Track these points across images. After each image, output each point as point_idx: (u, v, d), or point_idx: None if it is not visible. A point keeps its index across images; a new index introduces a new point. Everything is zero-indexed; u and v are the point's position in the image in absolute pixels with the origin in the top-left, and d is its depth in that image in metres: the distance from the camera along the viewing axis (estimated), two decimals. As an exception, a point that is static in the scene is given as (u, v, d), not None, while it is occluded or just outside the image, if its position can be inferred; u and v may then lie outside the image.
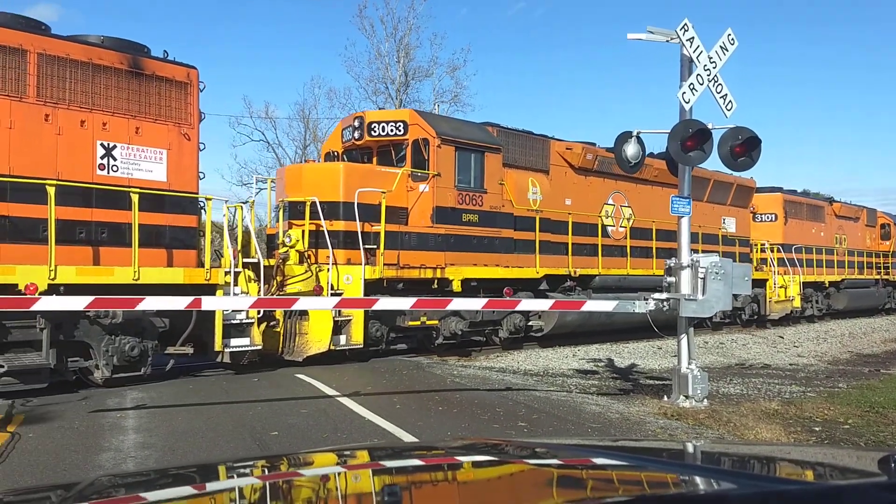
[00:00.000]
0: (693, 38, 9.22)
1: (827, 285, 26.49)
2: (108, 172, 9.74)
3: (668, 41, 9.37)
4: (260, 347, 10.86)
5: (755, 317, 22.41)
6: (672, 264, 9.14)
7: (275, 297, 11.16)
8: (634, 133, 9.87)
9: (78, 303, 7.61)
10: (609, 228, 17.52)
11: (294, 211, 12.77)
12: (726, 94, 9.34)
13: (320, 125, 34.24)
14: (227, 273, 10.48)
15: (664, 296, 9.00)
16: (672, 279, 9.06)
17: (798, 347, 19.18)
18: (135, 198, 9.49)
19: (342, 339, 12.00)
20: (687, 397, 8.92)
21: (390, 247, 12.67)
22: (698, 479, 1.72)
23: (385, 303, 9.84)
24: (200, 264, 10.54)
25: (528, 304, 12.14)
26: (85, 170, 9.56)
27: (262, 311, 10.72)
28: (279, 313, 11.33)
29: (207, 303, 9.27)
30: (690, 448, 2.81)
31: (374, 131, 13.91)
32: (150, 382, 9.95)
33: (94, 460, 6.23)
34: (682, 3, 69.22)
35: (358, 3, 48.78)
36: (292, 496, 1.79)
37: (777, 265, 23.15)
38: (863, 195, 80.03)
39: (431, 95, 33.47)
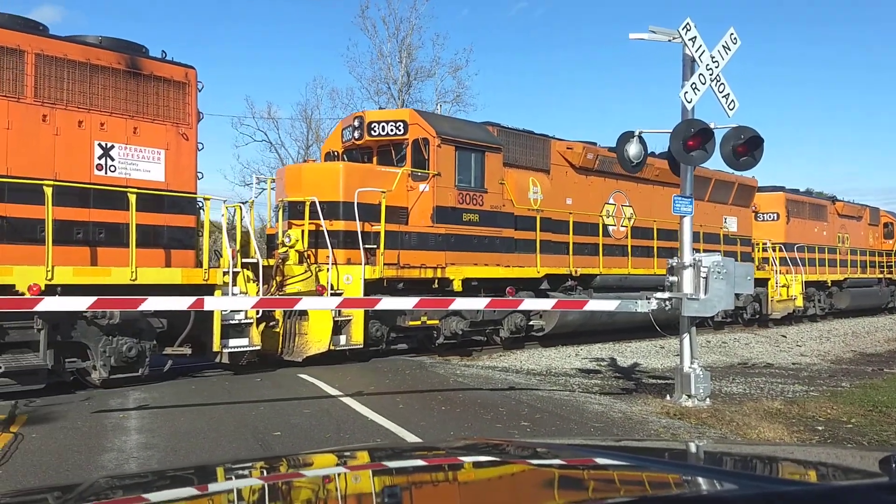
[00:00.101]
0: (695, 37, 9.21)
1: (829, 284, 26.44)
2: (106, 173, 9.74)
3: (670, 41, 9.36)
4: (259, 348, 10.83)
5: (757, 316, 22.38)
6: (674, 264, 9.13)
7: (277, 297, 11.16)
8: (636, 133, 9.87)
9: (81, 303, 7.61)
10: (610, 228, 17.51)
11: (294, 211, 12.76)
12: (728, 94, 9.33)
13: (323, 125, 34.25)
14: (225, 273, 10.46)
15: (666, 295, 8.99)
16: (674, 278, 9.05)
17: (801, 346, 19.16)
18: (132, 198, 9.48)
19: (342, 339, 11.99)
20: (689, 396, 8.92)
21: (390, 246, 12.66)
22: (700, 480, 1.71)
23: (388, 303, 9.83)
24: (199, 264, 10.53)
25: (530, 303, 12.14)
26: (82, 170, 9.56)
27: (260, 311, 10.70)
28: (279, 313, 11.31)
29: (210, 303, 9.29)
30: (692, 448, 2.81)
31: (374, 131, 13.90)
32: (150, 383, 9.94)
33: (97, 461, 6.23)
34: (682, 3, 69.30)
35: (360, 4, 48.77)
36: (293, 497, 1.78)
37: (779, 264, 23.11)
38: (866, 194, 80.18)
39: (434, 95, 33.49)
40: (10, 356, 8.68)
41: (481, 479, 1.93)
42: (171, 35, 56.01)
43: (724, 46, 9.30)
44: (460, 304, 10.59)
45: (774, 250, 23.20)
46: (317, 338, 11.64)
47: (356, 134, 14.14)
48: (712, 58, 9.22)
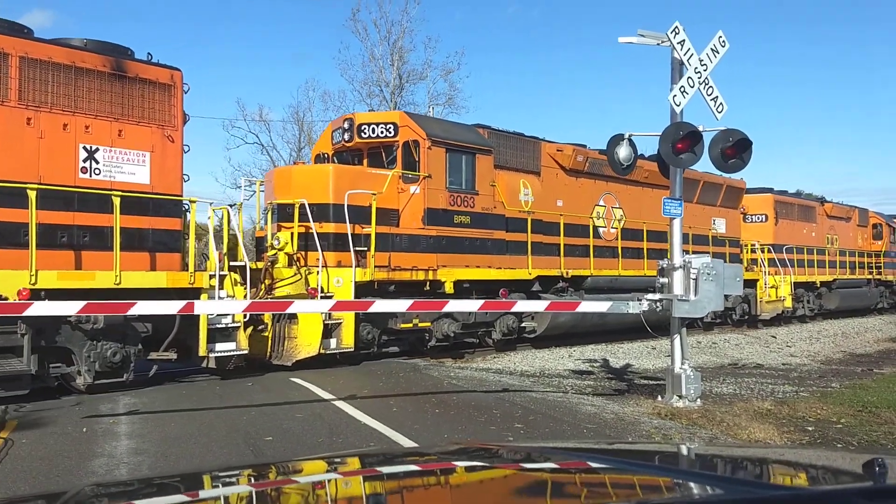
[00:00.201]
0: (684, 40, 9.25)
1: (818, 285, 26.59)
2: (91, 176, 9.68)
3: (658, 44, 9.40)
4: (246, 352, 10.74)
5: (746, 317, 22.49)
6: (665, 265, 9.17)
7: (268, 300, 11.12)
8: (626, 135, 9.91)
9: (70, 308, 7.58)
10: (600, 229, 17.56)
11: (283, 213, 12.69)
12: (717, 97, 9.38)
13: (315, 128, 34.19)
14: (211, 276, 10.40)
15: (657, 296, 9.02)
16: (665, 280, 9.09)
17: (790, 347, 19.25)
18: (116, 201, 9.42)
19: (332, 342, 11.92)
20: (680, 397, 8.95)
21: (381, 249, 12.61)
22: (687, 485, 1.73)
23: (381, 305, 9.82)
24: (185, 268, 10.46)
25: (523, 305, 12.12)
26: (67, 173, 9.50)
27: (248, 314, 10.64)
28: (267, 317, 11.23)
29: (200, 307, 9.27)
30: (682, 451, 2.83)
31: (365, 133, 13.88)
32: (137, 388, 9.88)
33: (87, 466, 6.19)
34: (679, 4, 69.60)
35: (351, 7, 48.71)
36: None
37: (767, 265, 23.24)
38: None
39: (426, 98, 33.51)
40: (-6, 361, 8.61)
41: (474, 484, 1.93)
42: (162, 38, 55.82)
43: (712, 50, 9.35)
44: (454, 306, 10.58)
45: (763, 251, 23.32)
46: (307, 341, 11.58)
47: (346, 136, 14.11)
48: (700, 61, 9.27)
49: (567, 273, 16.03)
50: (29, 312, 7.45)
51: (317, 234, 11.99)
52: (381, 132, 13.77)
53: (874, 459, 1.53)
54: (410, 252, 13.21)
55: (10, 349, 8.76)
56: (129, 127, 10.05)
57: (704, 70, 9.28)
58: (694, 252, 14.58)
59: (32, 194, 8.77)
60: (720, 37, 9.42)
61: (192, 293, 10.03)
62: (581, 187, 17.11)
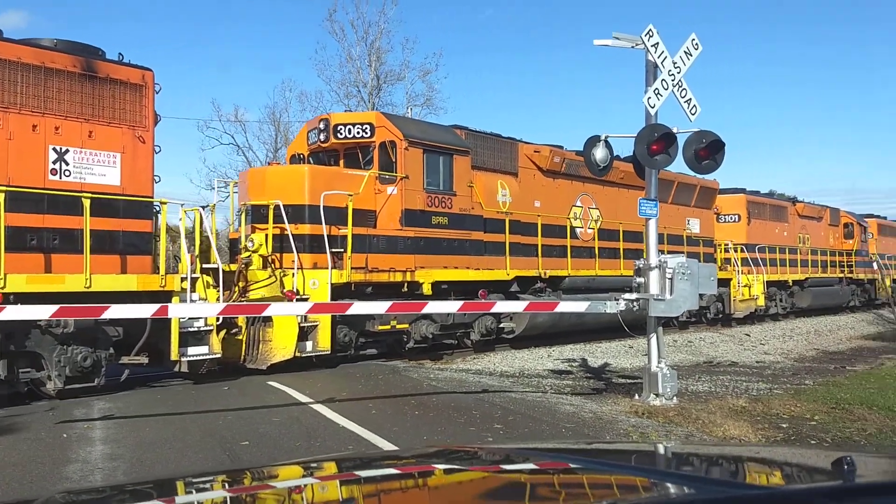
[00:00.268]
0: (657, 43, 9.33)
1: (791, 284, 26.95)
2: (61, 177, 9.53)
3: (633, 47, 9.47)
4: (219, 356, 10.59)
5: (720, 315, 22.75)
6: (641, 265, 9.25)
7: (244, 303, 11.03)
8: (603, 137, 9.99)
9: (43, 312, 7.47)
10: (577, 230, 17.65)
11: (257, 214, 12.55)
12: (690, 99, 9.47)
13: (291, 128, 33.99)
14: (183, 279, 10.27)
15: (634, 296, 9.10)
16: (641, 279, 9.16)
17: (764, 345, 19.50)
18: (86, 203, 9.28)
19: (308, 345, 11.79)
20: (657, 395, 9.03)
21: (358, 250, 12.52)
22: (660, 485, 1.75)
23: (359, 307, 9.78)
24: (156, 270, 10.33)
25: (503, 306, 12.13)
26: (36, 175, 9.34)
27: (221, 318, 10.51)
28: (241, 320, 11.08)
29: (174, 310, 9.17)
30: (659, 450, 2.86)
31: (341, 133, 13.79)
32: (114, 393, 9.75)
33: (61, 472, 6.10)
34: (669, 4, 70.00)
35: (328, 7, 48.50)
36: None
37: (741, 265, 23.52)
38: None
39: (404, 99, 33.46)
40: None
41: (453, 486, 1.93)
42: (137, 39, 55.21)
43: (685, 52, 9.44)
44: (433, 307, 10.56)
45: (736, 251, 23.61)
46: (282, 344, 11.44)
47: (322, 136, 14.02)
48: (674, 64, 9.36)
49: (545, 273, 16.09)
50: (2, 317, 7.32)
51: (292, 235, 11.89)
52: (358, 133, 13.70)
53: (843, 458, 1.55)
54: (388, 253, 13.15)
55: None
56: (100, 128, 9.92)
57: (678, 72, 9.37)
58: (669, 252, 14.73)
59: (1, 196, 8.62)
60: (693, 39, 9.51)
61: (164, 296, 9.90)
62: (558, 188, 17.18)
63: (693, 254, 18.61)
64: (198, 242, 10.93)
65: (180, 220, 10.85)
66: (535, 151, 16.67)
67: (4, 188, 8.74)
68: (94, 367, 9.48)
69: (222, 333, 10.81)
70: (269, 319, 11.28)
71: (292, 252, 11.86)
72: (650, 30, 9.32)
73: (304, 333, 11.72)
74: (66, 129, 9.62)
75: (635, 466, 2.09)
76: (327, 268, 11.95)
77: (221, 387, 10.42)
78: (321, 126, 14.09)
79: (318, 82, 76.20)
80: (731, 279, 22.73)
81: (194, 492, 2.00)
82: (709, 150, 9.30)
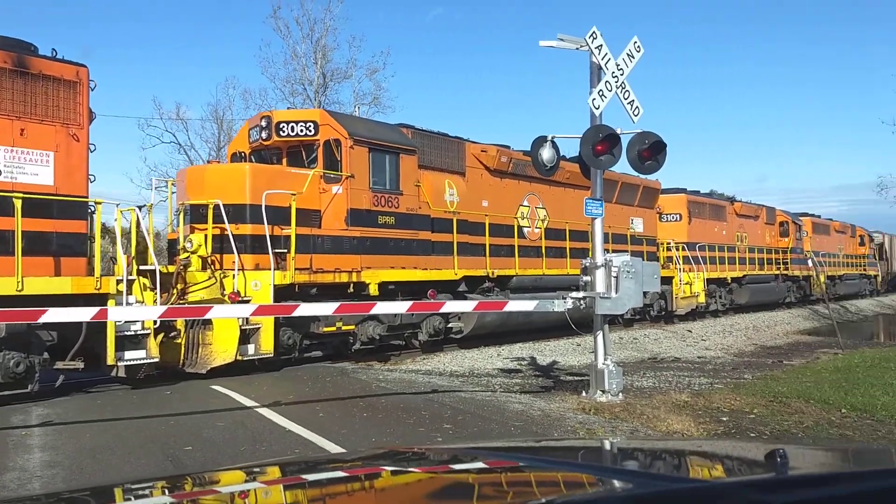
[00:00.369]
0: (601, 45, 9.46)
1: (729, 281, 27.70)
2: (-10, 177, 9.19)
3: (577, 49, 9.59)
4: (157, 360, 10.30)
5: (663, 312, 23.24)
6: (587, 264, 9.37)
7: (187, 305, 10.77)
8: (549, 137, 10.08)
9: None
10: (525, 229, 17.79)
11: (196, 214, 12.24)
12: (633, 101, 9.63)
13: (235, 126, 33.43)
14: (119, 281, 9.99)
15: (581, 294, 9.22)
16: (588, 278, 9.28)
17: (706, 341, 20.00)
18: (17, 203, 8.95)
19: (250, 348, 11.52)
20: (603, 392, 9.16)
21: (302, 251, 12.32)
22: (602, 481, 1.77)
23: (306, 308, 9.65)
24: (91, 272, 10.03)
25: (452, 305, 12.11)
26: (-35, 176, 9.00)
27: (159, 321, 10.24)
28: (180, 323, 10.78)
29: (114, 313, 8.90)
30: (606, 445, 2.90)
31: (283, 131, 13.54)
32: (51, 398, 9.44)
33: (-5, 483, 5.88)
34: (592, 7, 71.01)
35: (272, 4, 47.80)
36: None
37: (682, 263, 24.08)
38: (770, 194, 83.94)
39: (351, 97, 33.24)
40: None
41: (400, 488, 1.92)
42: (75, 36, 53.55)
43: (628, 55, 9.60)
44: (382, 307, 10.49)
45: (678, 249, 24.16)
46: (222, 348, 11.15)
47: (264, 134, 13.74)
48: (618, 66, 9.50)
49: (493, 273, 16.17)
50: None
51: (232, 235, 11.62)
52: (301, 130, 13.49)
53: (776, 451, 1.60)
54: (333, 254, 12.99)
55: None
56: (32, 126, 9.58)
57: (621, 74, 9.52)
58: (613, 251, 14.96)
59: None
60: (635, 42, 9.68)
61: (99, 299, 9.59)
62: (505, 188, 17.29)
63: (637, 252, 18.96)
64: (134, 243, 10.59)
65: (116, 220, 10.51)
66: (482, 151, 16.74)
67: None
68: (28, 372, 9.16)
69: (160, 337, 10.51)
70: (209, 322, 10.96)
71: (233, 253, 11.61)
72: (594, 32, 9.45)
73: (246, 336, 11.45)
74: (-4, 127, 9.26)
75: (581, 463, 2.12)
76: (270, 269, 11.72)
77: (164, 391, 10.18)
78: (263, 124, 13.82)
79: (263, 80, 75.21)
80: (673, 277, 23.24)
81: (133, 499, 1.94)
82: (651, 151, 9.48)
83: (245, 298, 11.52)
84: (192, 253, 11.44)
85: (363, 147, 13.54)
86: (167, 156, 55.12)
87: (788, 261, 32.46)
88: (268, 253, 11.74)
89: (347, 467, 2.23)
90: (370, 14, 58.94)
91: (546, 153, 10.03)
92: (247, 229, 12.08)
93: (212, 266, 11.70)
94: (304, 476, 2.10)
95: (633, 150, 9.48)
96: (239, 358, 11.24)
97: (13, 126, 9.41)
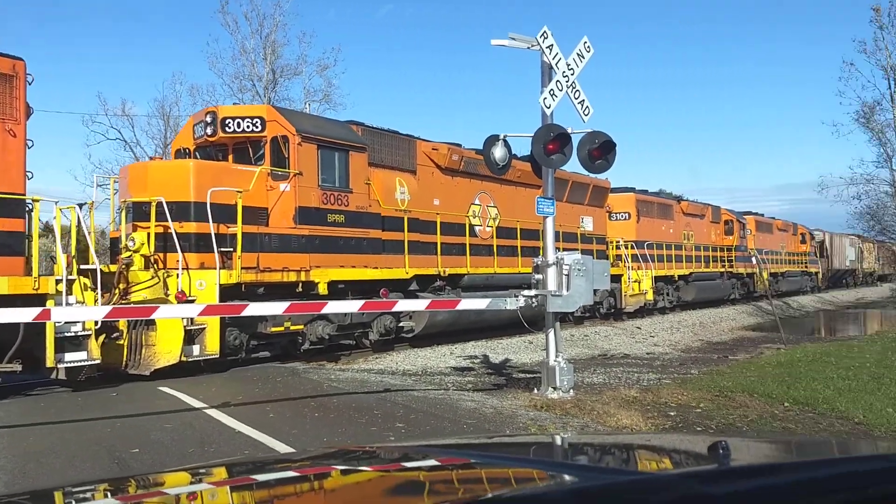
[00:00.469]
0: (552, 45, 9.55)
1: (676, 278, 28.27)
2: (-78, 175, 8.84)
3: (528, 48, 9.65)
4: (99, 362, 10.02)
5: (612, 310, 23.59)
6: (539, 262, 9.45)
7: (132, 305, 10.51)
8: (501, 136, 10.13)
9: None
10: (476, 228, 17.84)
11: (139, 212, 11.94)
12: (584, 100, 9.75)
13: (182, 123, 32.74)
14: (58, 281, 9.70)
15: (533, 292, 9.30)
16: (539, 276, 9.36)
17: (654, 337, 20.38)
18: (-50, 202, 8.65)
19: (195, 349, 11.26)
20: (555, 389, 9.25)
21: (249, 249, 12.09)
22: (550, 475, 1.79)
23: (255, 308, 9.49)
24: (29, 272, 9.71)
25: (404, 304, 12.05)
26: None
27: (100, 322, 9.95)
28: (122, 324, 10.50)
29: (57, 314, 8.63)
30: (557, 441, 2.93)
31: (229, 127, 13.27)
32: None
33: (-72, 492, 5.65)
34: (544, 9, 71.55)
35: (220, -2, 46.88)
36: None
37: (631, 261, 24.48)
38: (713, 194, 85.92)
39: (302, 94, 32.85)
40: None
41: (350, 487, 1.90)
42: (13, 29, 51.77)
43: (578, 55, 9.71)
44: (333, 307, 10.37)
45: (627, 248, 24.56)
46: (166, 349, 10.87)
47: (209, 130, 13.44)
48: (568, 65, 9.61)
49: (444, 272, 16.18)
50: None
51: (176, 234, 11.38)
52: (248, 126, 13.23)
53: (718, 443, 1.64)
54: (281, 252, 12.79)
55: None
56: (-35, 121, 9.24)
57: (572, 74, 9.62)
58: (564, 249, 15.14)
59: None
60: (585, 42, 9.80)
61: (37, 300, 9.27)
62: (457, 186, 17.31)
63: (587, 251, 19.23)
64: (74, 242, 10.29)
65: (55, 218, 10.20)
66: (433, 149, 16.73)
67: None
68: (-38, 376, 8.83)
69: (102, 338, 10.21)
70: (152, 322, 10.68)
71: (177, 252, 11.35)
72: (545, 31, 9.53)
73: (191, 337, 11.20)
74: (-72, 122, 8.91)
75: (532, 459, 2.13)
76: (215, 268, 11.49)
77: (109, 393, 9.93)
78: (208, 119, 13.52)
79: (211, 75, 73.96)
80: (622, 275, 23.60)
81: (74, 502, 1.88)
82: (601, 150, 9.60)
83: (190, 298, 11.27)
84: (135, 252, 11.16)
85: (311, 144, 13.38)
86: (113, 153, 53.81)
87: (733, 258, 33.26)
88: (213, 252, 11.50)
89: (296, 467, 2.20)
90: (321, 10, 58.54)
91: (498, 152, 10.08)
92: (191, 227, 11.84)
93: (155, 265, 11.42)
94: (251, 476, 2.07)
95: (584, 149, 9.59)
96: (184, 359, 10.98)
97: (-55, 121, 9.06)
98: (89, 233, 10.75)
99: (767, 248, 38.00)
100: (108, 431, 7.60)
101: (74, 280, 9.93)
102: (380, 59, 66.16)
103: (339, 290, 13.49)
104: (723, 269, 32.65)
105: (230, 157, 13.55)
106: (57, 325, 9.45)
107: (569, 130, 9.53)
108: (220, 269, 11.53)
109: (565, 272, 9.14)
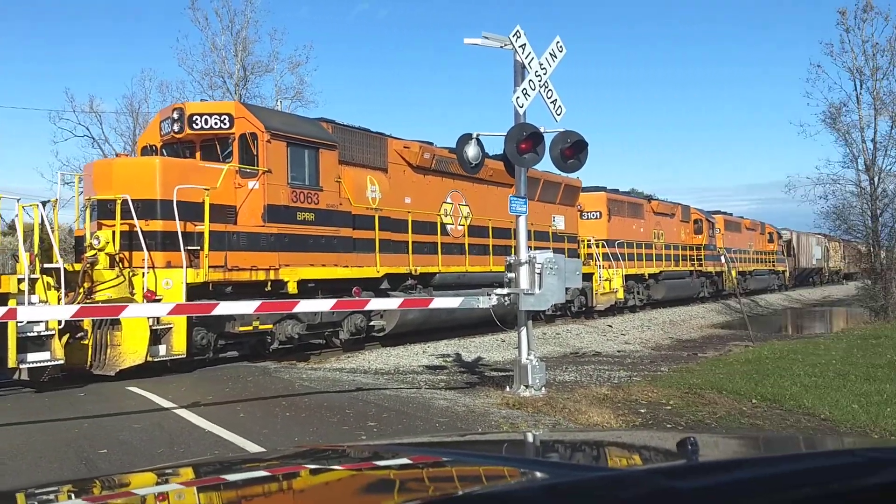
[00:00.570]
0: (525, 44, 9.58)
1: (647, 277, 28.56)
2: None
3: (501, 47, 9.67)
4: (62, 362, 9.85)
5: (584, 308, 23.76)
6: (512, 261, 9.47)
7: (99, 304, 10.33)
8: (474, 135, 10.13)
9: None
10: (448, 227, 17.84)
11: (104, 210, 11.72)
12: (556, 100, 9.79)
13: (151, 119, 32.28)
14: (21, 280, 9.51)
15: (505, 291, 9.32)
16: (512, 275, 9.39)
17: (625, 335, 20.55)
18: (-88, 202, 8.44)
19: (162, 349, 11.09)
20: (527, 387, 9.28)
21: (216, 248, 11.91)
22: (524, 472, 1.79)
23: (225, 307, 9.38)
24: (-10, 271, 9.53)
25: (377, 303, 11.98)
26: None
27: (64, 321, 9.76)
28: (87, 323, 10.31)
29: (24, 313, 8.46)
30: (528, 438, 2.95)
31: (197, 124, 13.07)
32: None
33: None
34: (518, 8, 71.78)
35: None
36: None
37: (602, 260, 24.68)
38: (683, 193, 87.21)
39: (273, 91, 32.57)
40: None
41: (320, 487, 1.89)
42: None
43: (550, 54, 9.75)
44: (305, 305, 10.28)
45: (598, 246, 24.74)
46: (132, 349, 10.68)
47: (176, 127, 13.22)
48: (541, 65, 9.64)
49: (416, 270, 16.15)
50: None
51: (142, 232, 11.20)
52: (216, 123, 13.03)
53: (687, 439, 1.66)
54: (250, 251, 12.63)
55: None
56: (-73, 119, 9.02)
57: (544, 73, 9.66)
58: (536, 248, 15.19)
59: None
60: (557, 42, 9.84)
61: (-1, 299, 9.12)
62: (429, 185, 17.29)
63: (559, 249, 19.33)
64: (37, 240, 10.08)
65: (17, 216, 9.97)
66: (405, 147, 16.68)
67: None
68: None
69: (65, 338, 10.02)
70: (117, 322, 10.50)
71: (143, 250, 11.19)
72: (518, 31, 9.55)
73: (157, 337, 11.03)
74: None
75: (503, 456, 2.14)
76: (182, 266, 11.32)
77: (77, 393, 9.77)
78: (175, 116, 13.29)
79: (181, 72, 72.95)
80: (593, 274, 23.77)
81: None
82: (573, 150, 9.65)
83: (156, 298, 11.11)
84: (100, 250, 10.97)
85: (281, 141, 13.24)
86: (80, 150, 52.86)
87: (702, 257, 33.67)
88: (180, 250, 11.31)
89: (266, 467, 2.18)
90: (293, 7, 58.20)
91: (471, 150, 10.08)
92: (157, 225, 11.66)
93: (120, 264, 11.23)
94: (220, 476, 2.04)
95: (556, 148, 9.63)
96: (150, 359, 10.81)
97: None
98: (53, 231, 10.55)
99: (736, 247, 38.53)
100: (76, 432, 7.47)
101: (38, 279, 9.74)
102: (353, 57, 66.06)
103: (309, 289, 13.37)
104: (692, 268, 33.03)
105: (198, 154, 13.34)
106: (19, 324, 9.26)
107: (541, 130, 9.56)
108: (187, 267, 11.37)
109: (538, 271, 9.17)
